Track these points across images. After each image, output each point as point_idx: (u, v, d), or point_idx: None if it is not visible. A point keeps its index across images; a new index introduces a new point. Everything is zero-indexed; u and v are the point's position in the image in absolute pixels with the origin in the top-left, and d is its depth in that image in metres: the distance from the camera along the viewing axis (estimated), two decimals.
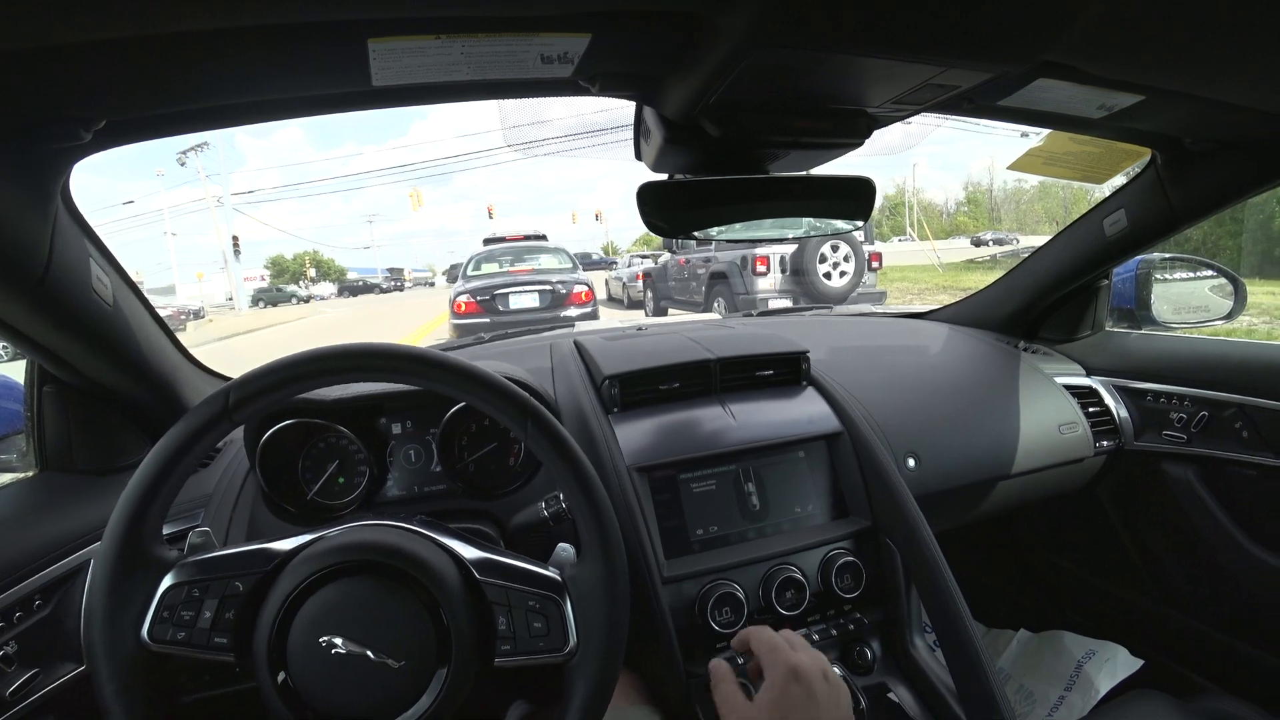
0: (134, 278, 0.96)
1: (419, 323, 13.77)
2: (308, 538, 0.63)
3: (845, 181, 0.89)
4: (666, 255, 9.71)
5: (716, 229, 0.89)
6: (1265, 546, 1.17)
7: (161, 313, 1.02)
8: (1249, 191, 1.07)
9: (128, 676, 0.58)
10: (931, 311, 1.73)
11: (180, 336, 1.09)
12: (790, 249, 6.89)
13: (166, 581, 0.60)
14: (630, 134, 0.90)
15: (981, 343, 1.48)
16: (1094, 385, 1.37)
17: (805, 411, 1.05)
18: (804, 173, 0.91)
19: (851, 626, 0.94)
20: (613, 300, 13.93)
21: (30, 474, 0.95)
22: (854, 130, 0.79)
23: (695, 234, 0.90)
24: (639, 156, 0.90)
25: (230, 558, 0.62)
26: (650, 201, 0.83)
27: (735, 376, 1.08)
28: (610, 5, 0.57)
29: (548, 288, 6.85)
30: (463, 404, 0.99)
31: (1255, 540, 1.19)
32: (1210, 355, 1.28)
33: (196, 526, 0.68)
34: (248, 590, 0.60)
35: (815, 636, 0.92)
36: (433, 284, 52.67)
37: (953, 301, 1.71)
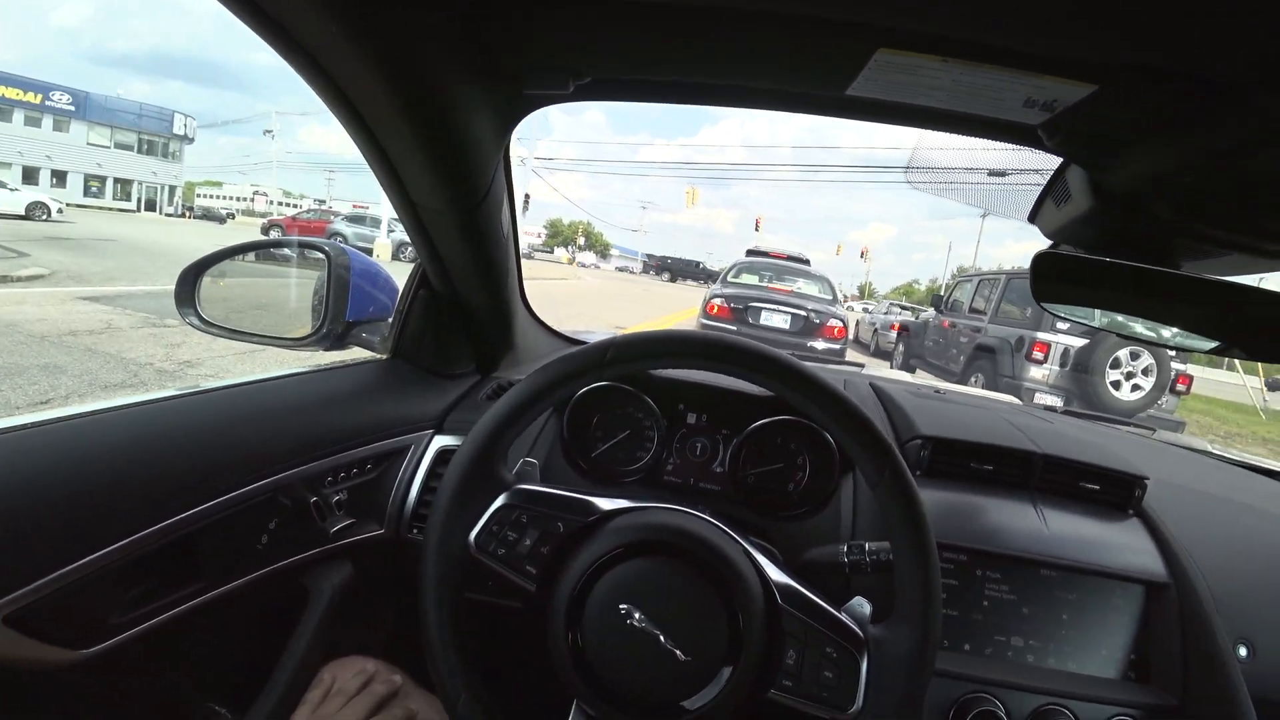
0: None
1: (666, 311, 14.35)
2: (626, 503, 0.66)
3: None
4: (930, 312, 9.10)
5: (1108, 319, 0.78)
6: None
7: None
8: None
9: (447, 569, 0.64)
10: None
11: None
12: (1079, 342, 6.06)
13: (500, 500, 0.66)
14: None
15: None
16: None
17: (1129, 545, 0.91)
18: (1239, 279, 0.73)
19: None
20: (858, 343, 13.38)
21: (384, 357, 1.10)
22: None
23: (1082, 320, 0.80)
24: (1033, 219, 0.83)
25: (557, 498, 0.66)
26: (1049, 273, 0.74)
27: (1056, 479, 0.97)
28: (1141, 58, 0.51)
29: (802, 313, 6.70)
30: (769, 419, 1.00)
31: None
32: None
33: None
34: (566, 533, 0.64)
35: None
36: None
37: None
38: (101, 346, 5.11)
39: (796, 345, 6.35)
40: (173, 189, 45.29)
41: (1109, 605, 0.87)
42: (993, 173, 0.87)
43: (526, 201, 31.70)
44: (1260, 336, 0.75)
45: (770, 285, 7.63)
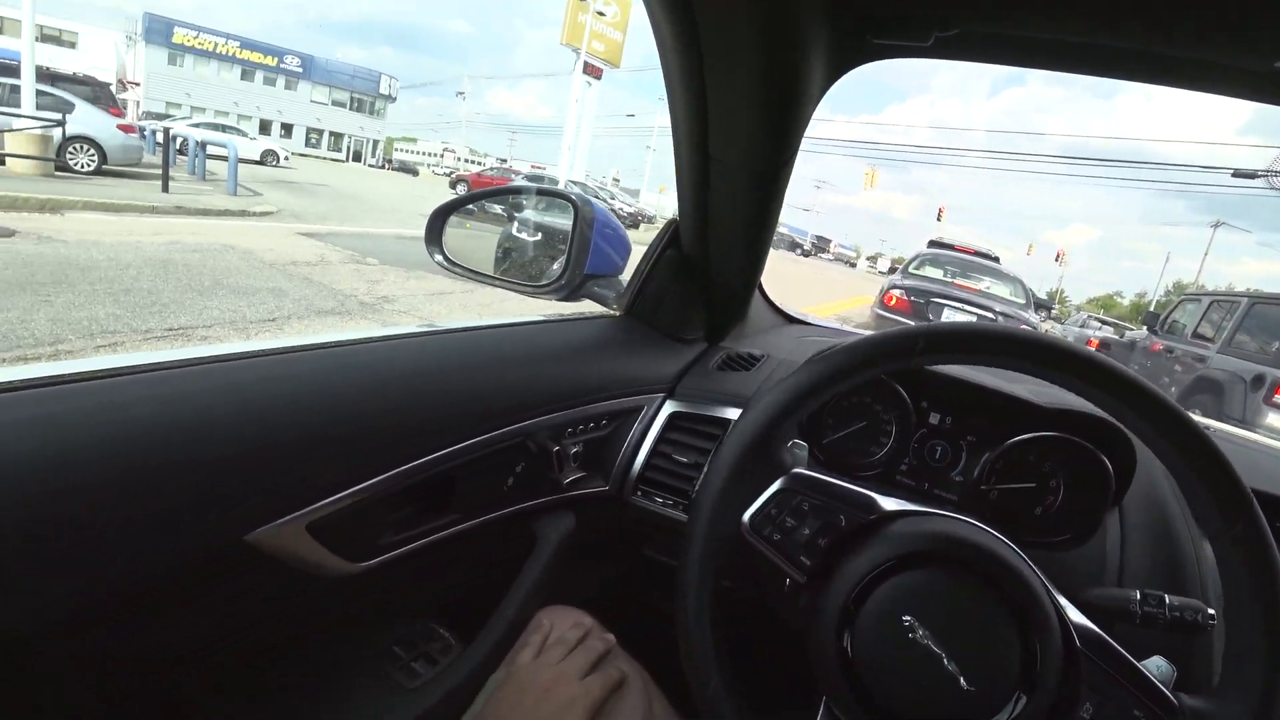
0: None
1: (833, 297, 13.85)
2: (908, 505, 0.61)
3: None
4: (1139, 333, 8.07)
5: None
6: None
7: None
8: None
9: (716, 547, 0.59)
10: None
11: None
12: None
13: (781, 483, 0.62)
14: None
15: None
16: None
17: None
18: None
19: None
20: None
21: (616, 313, 1.08)
22: None
23: None
24: None
25: (841, 489, 0.61)
26: None
27: None
28: None
29: (990, 315, 6.15)
30: (1031, 434, 0.87)
31: None
32: None
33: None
34: (847, 529, 0.59)
35: None
36: (853, 265, 52.25)
37: None
38: (315, 276, 5.73)
39: None
40: (376, 143, 50.93)
41: None
42: None
43: None
44: None
45: (955, 281, 7.06)
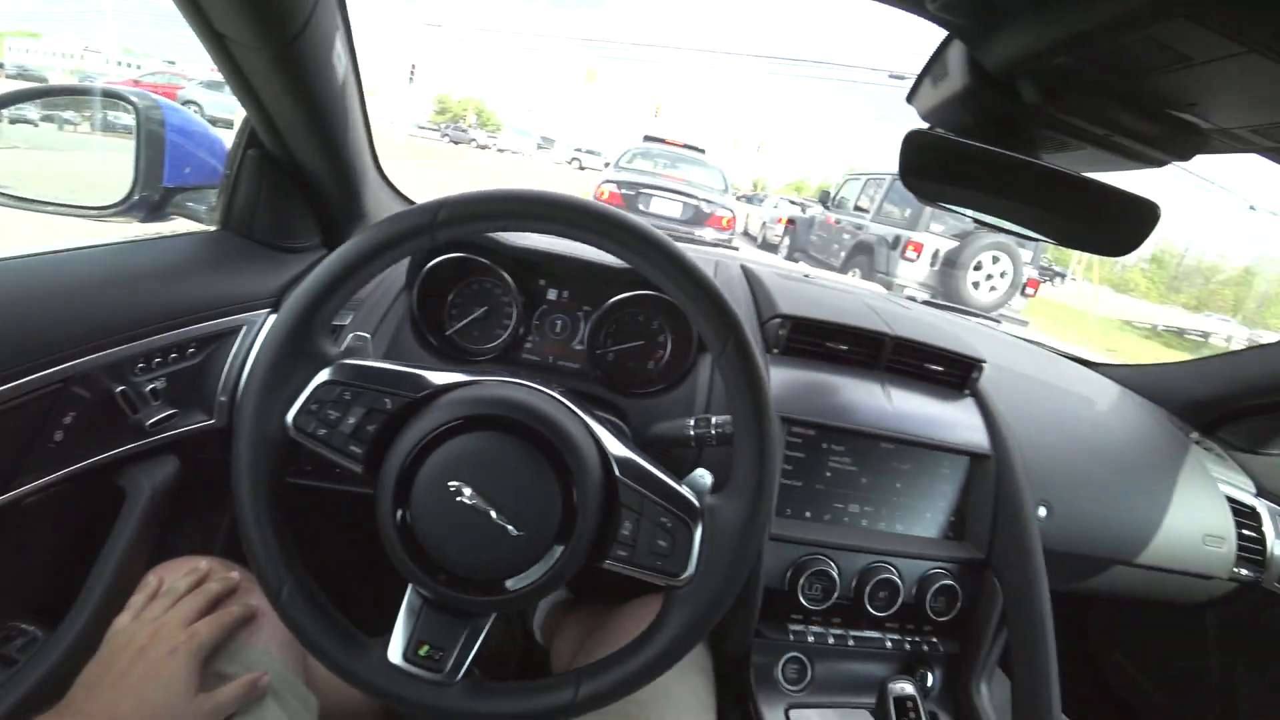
0: None
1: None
2: (461, 378, 0.61)
3: (1129, 201, 0.70)
4: (817, 209, 9.32)
5: (967, 208, 0.76)
6: None
7: None
8: None
9: (262, 450, 0.58)
10: (1103, 364, 1.58)
11: None
12: (951, 244, 6.41)
13: (322, 376, 0.59)
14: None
15: (1150, 416, 1.34)
16: (1259, 508, 1.20)
17: (961, 421, 0.98)
18: (1085, 174, 0.71)
19: (925, 648, 0.92)
20: (746, 236, 13.58)
21: (211, 229, 0.98)
22: (1177, 147, 0.65)
23: (944, 205, 0.79)
24: (911, 98, 0.80)
25: (385, 373, 0.60)
26: (917, 154, 0.70)
27: (904, 361, 1.02)
28: None
29: (693, 202, 6.68)
30: (627, 293, 0.97)
31: None
32: None
33: (349, 328, 0.68)
34: (394, 410, 0.59)
35: (888, 644, 0.91)
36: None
37: (1131, 363, 1.56)
38: None
39: (685, 234, 6.33)
40: None
41: (937, 474, 0.96)
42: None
43: (413, 72, 29.20)
44: (1092, 229, 0.75)
45: (664, 173, 7.54)
